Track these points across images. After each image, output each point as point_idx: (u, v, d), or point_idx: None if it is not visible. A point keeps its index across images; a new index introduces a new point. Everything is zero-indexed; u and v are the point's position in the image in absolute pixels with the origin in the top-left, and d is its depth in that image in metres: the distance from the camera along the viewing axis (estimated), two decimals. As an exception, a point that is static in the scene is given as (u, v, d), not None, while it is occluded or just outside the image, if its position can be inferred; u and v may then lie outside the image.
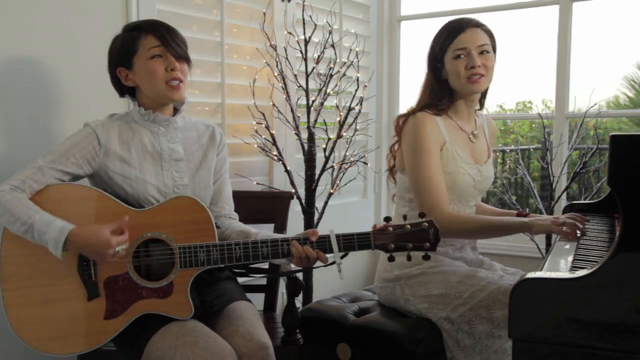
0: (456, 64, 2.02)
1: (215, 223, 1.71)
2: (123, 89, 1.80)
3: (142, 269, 1.65)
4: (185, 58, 1.75)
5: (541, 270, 1.50)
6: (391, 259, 1.62)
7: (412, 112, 2.07)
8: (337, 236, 1.61)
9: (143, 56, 1.70)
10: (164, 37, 1.70)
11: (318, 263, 1.63)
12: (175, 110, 1.84)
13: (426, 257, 1.62)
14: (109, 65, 1.78)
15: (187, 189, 1.77)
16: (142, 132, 1.76)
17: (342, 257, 1.60)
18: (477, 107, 2.20)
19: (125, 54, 1.72)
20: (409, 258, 1.64)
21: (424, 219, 1.62)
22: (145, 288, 1.62)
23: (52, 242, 1.53)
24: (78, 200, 1.65)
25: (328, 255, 1.62)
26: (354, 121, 2.78)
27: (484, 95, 2.22)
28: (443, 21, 2.13)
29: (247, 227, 1.82)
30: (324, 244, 1.61)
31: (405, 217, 1.65)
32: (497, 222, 1.98)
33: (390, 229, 1.61)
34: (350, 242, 1.61)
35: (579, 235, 1.85)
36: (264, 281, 2.24)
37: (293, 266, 1.84)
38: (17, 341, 1.61)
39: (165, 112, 1.79)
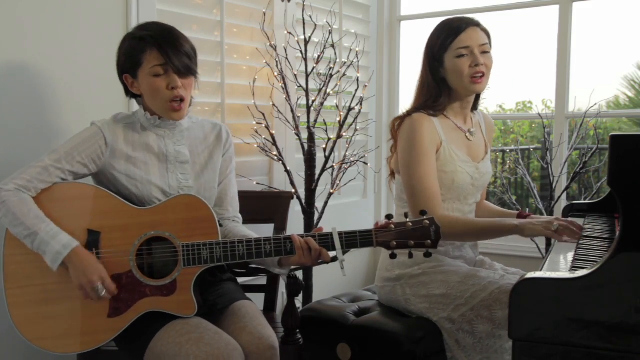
0: (459, 63, 2.00)
1: (219, 221, 1.71)
2: (129, 90, 1.78)
3: (145, 267, 1.65)
4: (188, 73, 1.70)
5: (541, 270, 1.50)
6: (393, 256, 1.63)
7: (407, 114, 2.06)
8: (340, 234, 1.62)
9: (147, 71, 1.67)
10: (168, 54, 1.65)
11: (321, 266, 1.63)
12: None
13: (427, 255, 1.63)
14: (116, 67, 1.76)
15: (191, 191, 1.76)
16: (148, 134, 1.76)
17: (344, 254, 1.61)
18: (471, 108, 2.19)
19: (131, 64, 1.70)
20: (410, 255, 1.65)
21: (424, 217, 1.62)
22: (148, 286, 1.62)
23: (52, 254, 1.54)
24: (83, 199, 1.65)
25: (330, 253, 1.63)
26: (354, 121, 2.78)
27: (477, 96, 2.21)
28: (443, 21, 2.12)
29: (249, 233, 1.81)
30: (326, 241, 1.62)
31: (406, 215, 1.65)
32: (487, 224, 1.96)
33: (392, 226, 1.62)
34: (353, 240, 1.63)
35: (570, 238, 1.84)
36: (264, 281, 2.24)
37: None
38: (18, 340, 1.60)
39: None
